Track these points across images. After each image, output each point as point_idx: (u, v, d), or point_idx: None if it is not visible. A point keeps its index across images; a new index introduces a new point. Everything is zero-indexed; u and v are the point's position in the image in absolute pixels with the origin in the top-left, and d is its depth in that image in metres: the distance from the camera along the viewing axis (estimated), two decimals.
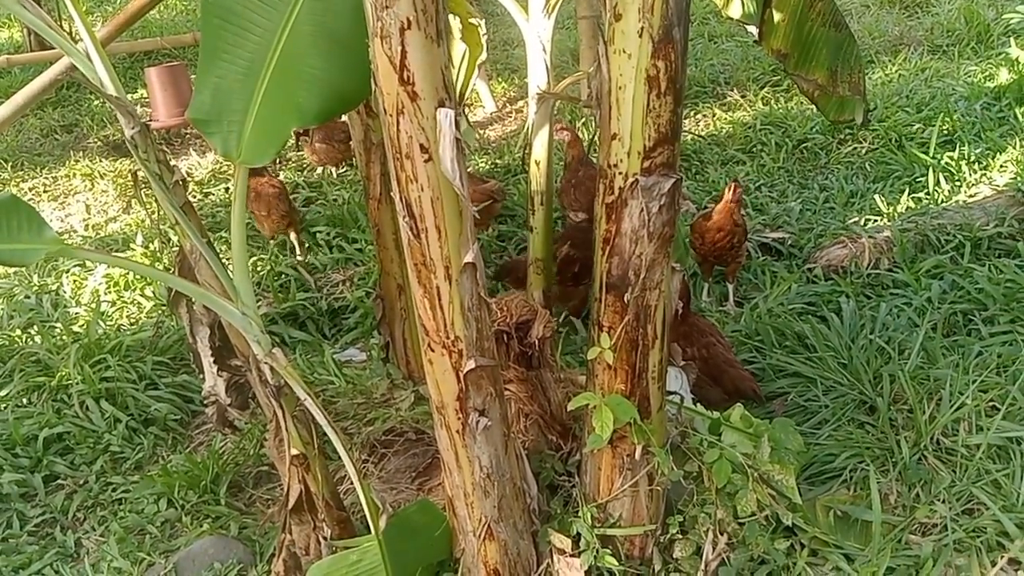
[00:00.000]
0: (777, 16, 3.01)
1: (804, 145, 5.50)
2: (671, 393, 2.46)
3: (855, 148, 5.40)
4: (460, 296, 1.90)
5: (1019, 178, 4.61)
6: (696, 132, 6.02)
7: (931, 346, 3.29)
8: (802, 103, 6.01)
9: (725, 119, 6.14)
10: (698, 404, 3.06)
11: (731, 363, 3.11)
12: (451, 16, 3.17)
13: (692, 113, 6.39)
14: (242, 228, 2.05)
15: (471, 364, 1.97)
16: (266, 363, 2.12)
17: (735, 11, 2.96)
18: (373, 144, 3.03)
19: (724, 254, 3.83)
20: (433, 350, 1.99)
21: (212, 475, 3.17)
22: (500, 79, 7.63)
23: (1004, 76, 5.85)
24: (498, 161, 5.85)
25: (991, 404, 2.96)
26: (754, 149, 5.56)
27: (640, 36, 1.78)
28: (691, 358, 3.10)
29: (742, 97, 6.40)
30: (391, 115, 1.74)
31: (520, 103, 7.10)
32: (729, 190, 3.69)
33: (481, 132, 6.54)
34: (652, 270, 2.04)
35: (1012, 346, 3.27)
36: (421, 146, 1.75)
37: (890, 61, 6.73)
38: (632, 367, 2.17)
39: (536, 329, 2.47)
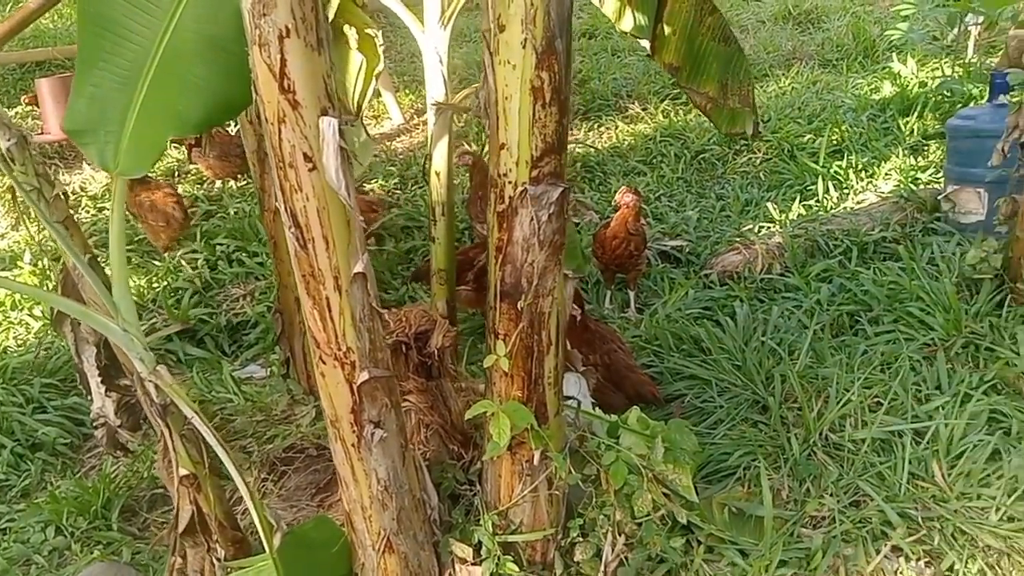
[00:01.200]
0: (668, 30, 3.10)
1: (702, 156, 5.68)
2: (568, 398, 2.49)
3: (750, 158, 5.60)
4: (351, 307, 1.88)
5: (902, 185, 4.86)
6: (599, 144, 6.14)
7: (820, 346, 3.43)
8: (700, 116, 6.18)
9: (627, 131, 6.28)
10: (597, 408, 3.12)
11: (632, 368, 3.18)
12: (347, 26, 3.14)
13: (596, 126, 6.52)
14: (121, 241, 1.98)
15: (364, 376, 1.95)
16: (151, 381, 2.05)
17: (627, 24, 3.03)
18: (266, 154, 2.97)
19: (623, 262, 3.92)
20: (325, 362, 1.97)
21: (103, 500, 3.04)
22: (408, 91, 7.62)
23: (888, 89, 6.17)
24: (405, 172, 5.83)
25: (875, 400, 3.11)
26: (654, 160, 5.70)
27: (524, 47, 1.80)
28: (593, 364, 3.15)
29: (643, 110, 6.56)
30: (272, 124, 1.72)
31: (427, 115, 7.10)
32: (620, 193, 3.78)
33: (388, 144, 6.51)
34: (544, 277, 2.07)
35: (895, 344, 3.44)
36: (304, 155, 1.73)
37: (783, 75, 7.01)
38: (528, 373, 2.19)
39: (435, 339, 2.47)
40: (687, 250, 4.51)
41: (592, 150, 6.01)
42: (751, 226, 4.67)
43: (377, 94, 6.84)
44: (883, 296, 3.72)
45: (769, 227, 4.64)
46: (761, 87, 6.84)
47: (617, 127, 6.43)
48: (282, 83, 1.66)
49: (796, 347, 3.44)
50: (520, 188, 1.95)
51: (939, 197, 4.38)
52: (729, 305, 3.88)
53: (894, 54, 6.51)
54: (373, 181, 5.59)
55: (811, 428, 2.94)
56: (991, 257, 3.72)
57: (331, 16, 3.05)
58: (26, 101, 6.47)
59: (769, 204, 4.83)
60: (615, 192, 5.25)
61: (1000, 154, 3.45)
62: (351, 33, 3.19)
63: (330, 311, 1.88)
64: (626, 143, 6.11)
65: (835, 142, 5.54)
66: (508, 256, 2.05)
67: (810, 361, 3.36)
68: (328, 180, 1.71)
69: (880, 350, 3.41)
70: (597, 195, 5.32)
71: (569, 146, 5.86)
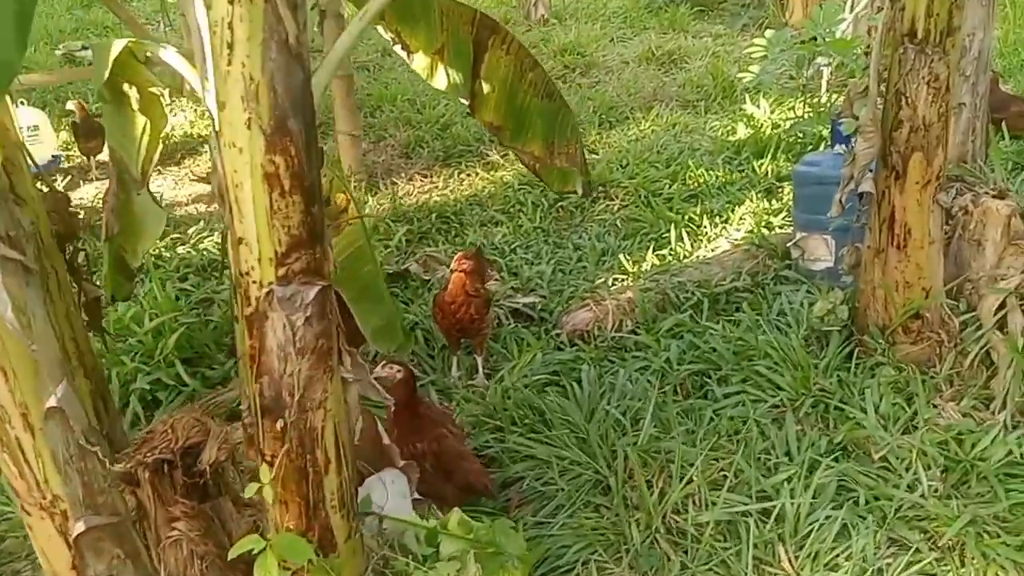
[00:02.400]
0: (487, 87, 2.88)
1: (560, 204, 5.50)
2: (367, 514, 2.18)
3: (608, 205, 5.47)
4: (49, 448, 1.53)
5: (754, 231, 4.80)
6: (459, 192, 5.90)
7: (666, 413, 3.24)
8: None
9: (487, 179, 6.07)
10: (430, 505, 2.83)
11: (463, 456, 2.89)
12: (127, 86, 2.78)
13: (456, 173, 6.28)
14: None
15: (81, 527, 1.60)
16: None
17: (440, 82, 2.80)
18: None
19: (465, 327, 3.65)
20: (30, 513, 1.60)
21: None
22: None
23: (743, 131, 6.18)
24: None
25: (722, 473, 2.93)
26: (512, 209, 5.49)
27: (249, 128, 1.51)
28: (421, 454, 2.85)
29: (503, 156, 6.36)
30: None
31: None
32: (455, 260, 3.52)
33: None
34: (311, 388, 1.77)
35: (743, 407, 3.29)
36: None
37: (643, 117, 6.98)
38: (305, 499, 1.88)
39: (208, 453, 2.12)
40: (539, 307, 4.29)
41: (450, 199, 5.76)
42: (605, 278, 4.50)
43: None
44: (731, 354, 3.58)
45: (623, 279, 4.48)
46: (621, 130, 6.78)
47: (478, 174, 6.21)
48: None
49: (642, 415, 3.24)
50: (266, 289, 1.65)
51: (788, 244, 4.31)
52: (577, 369, 3.66)
53: (747, 96, 6.55)
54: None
55: (652, 512, 2.73)
56: (838, 308, 3.65)
57: (106, 75, 2.70)
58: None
59: (622, 256, 4.67)
60: (470, 244, 5.06)
61: (839, 205, 3.37)
62: (132, 93, 2.83)
63: (23, 454, 1.52)
64: (486, 191, 5.89)
65: (691, 187, 5.48)
66: (263, 367, 1.74)
67: (656, 431, 3.16)
68: None
69: (729, 413, 3.25)
70: (452, 248, 5.05)
71: (426, 195, 5.55)
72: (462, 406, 3.50)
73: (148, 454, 2.12)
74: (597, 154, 6.36)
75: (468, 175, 6.26)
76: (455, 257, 3.55)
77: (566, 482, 2.99)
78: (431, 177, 6.25)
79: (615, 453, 3.04)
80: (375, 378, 2.96)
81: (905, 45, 2.98)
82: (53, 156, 6.31)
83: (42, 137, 6.14)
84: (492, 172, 6.20)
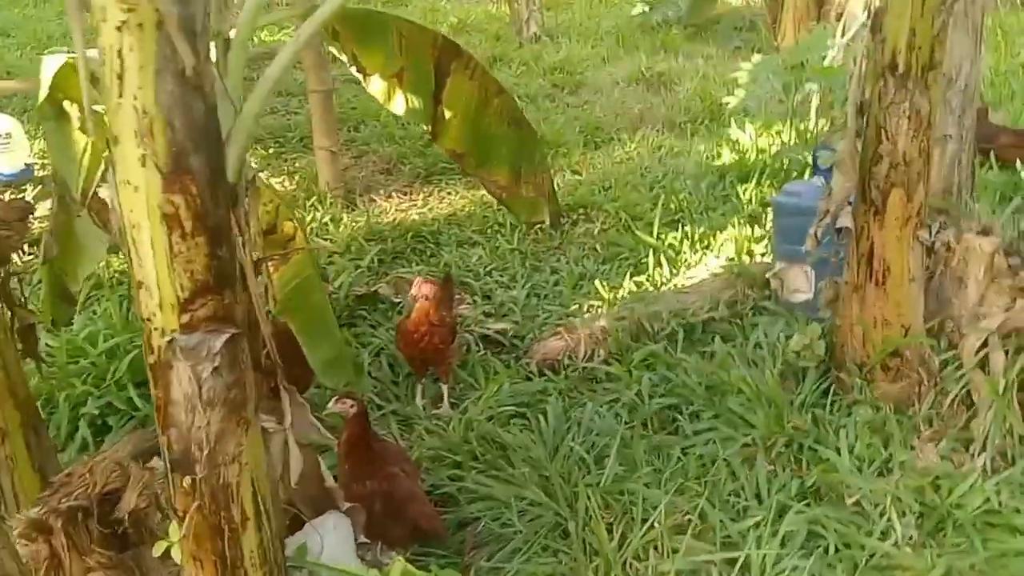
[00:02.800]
0: (449, 114, 2.76)
1: (540, 225, 5.37)
2: (295, 567, 2.04)
3: (588, 228, 5.35)
4: None
5: (735, 259, 4.69)
6: (438, 211, 5.79)
7: (632, 451, 3.12)
8: None
9: (467, 197, 5.95)
10: (379, 545, 2.70)
11: (413, 497, 2.75)
12: (68, 103, 2.66)
13: (436, 190, 6.17)
14: None
15: None
16: None
17: (398, 107, 2.69)
18: None
19: (429, 356, 3.53)
20: None
21: None
22: None
23: (727, 155, 6.08)
24: None
25: (687, 517, 2.80)
26: (490, 230, 5.37)
27: (143, 165, 1.39)
28: (369, 493, 2.71)
29: None
30: None
31: None
32: (415, 285, 3.40)
33: None
34: (223, 442, 1.64)
35: (712, 445, 3.16)
36: None
37: (629, 138, 6.88)
38: (220, 556, 1.74)
39: (128, 499, 1.98)
40: (511, 333, 4.16)
41: (428, 217, 5.64)
42: (580, 304, 4.37)
43: None
44: (703, 389, 3.45)
45: (598, 306, 4.35)
46: (606, 151, 6.68)
47: (458, 192, 6.09)
48: None
49: (607, 452, 3.11)
50: (168, 338, 1.52)
51: (768, 275, 4.20)
52: (544, 400, 3.53)
53: (732, 120, 6.45)
54: None
55: (611, 560, 2.59)
56: (815, 343, 3.53)
57: (45, 91, 2.58)
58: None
59: (597, 282, 4.54)
60: (445, 265, 4.94)
61: (813, 239, 3.26)
62: (73, 111, 2.71)
63: None
64: (465, 210, 5.77)
65: (673, 211, 5.36)
66: (169, 419, 1.61)
67: (621, 470, 3.03)
68: None
69: (698, 452, 3.13)
70: (426, 268, 4.93)
71: (403, 213, 5.41)
72: (422, 439, 3.36)
73: (62, 500, 2.00)
74: (581, 175, 6.26)
75: (449, 193, 6.14)
76: (415, 282, 3.43)
77: (524, 524, 2.85)
78: (411, 195, 6.14)
79: (576, 494, 2.91)
80: (328, 413, 2.85)
81: (886, 78, 2.87)
82: (26, 165, 6.16)
83: (14, 145, 6.00)
84: (472, 191, 6.07)
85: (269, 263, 2.60)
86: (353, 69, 2.57)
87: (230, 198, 1.50)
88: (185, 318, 1.51)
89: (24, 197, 5.09)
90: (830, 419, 3.24)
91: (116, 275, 4.47)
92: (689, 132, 6.96)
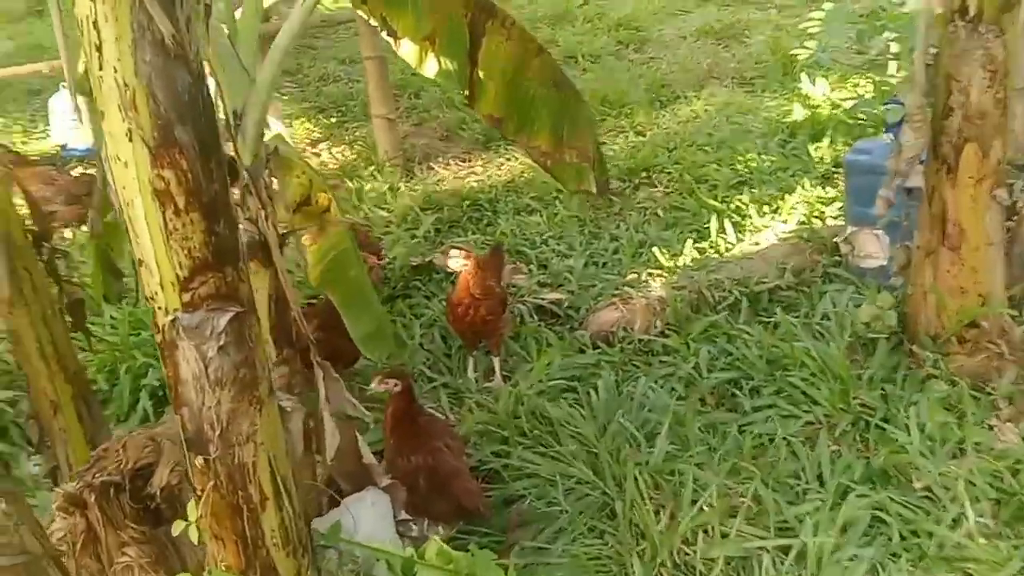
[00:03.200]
0: (484, 76, 2.64)
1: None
2: (327, 548, 2.01)
3: (651, 193, 5.17)
4: None
5: (805, 223, 4.45)
6: (496, 178, 5.68)
7: (686, 429, 2.99)
8: (606, 144, 5.77)
9: (526, 164, 5.80)
10: (425, 521, 2.66)
11: (457, 473, 2.69)
12: None
13: (495, 157, 6.06)
14: None
15: None
16: None
17: (430, 70, 2.57)
18: None
19: (478, 328, 3.45)
20: None
21: None
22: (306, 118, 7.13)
23: (799, 112, 5.76)
24: None
25: (741, 499, 2.66)
26: (549, 196, 5.24)
27: (130, 140, 1.33)
28: (414, 468, 2.67)
29: None
30: None
31: None
32: (448, 256, 3.32)
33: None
34: (235, 422, 1.59)
35: (771, 423, 3.01)
36: None
37: (696, 96, 6.61)
38: (240, 536, 1.71)
39: (159, 475, 1.98)
40: (566, 304, 4.04)
41: (486, 185, 5.54)
42: (639, 273, 4.22)
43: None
44: (765, 363, 3.28)
45: (658, 274, 4.19)
46: (672, 110, 6.43)
47: (517, 159, 5.96)
48: None
49: (660, 428, 2.98)
50: (171, 316, 1.47)
51: (837, 239, 3.96)
52: (597, 374, 3.42)
53: (804, 73, 6.10)
54: None
55: (657, 544, 2.49)
56: (886, 314, 3.31)
57: (82, 66, 2.57)
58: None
59: (656, 249, 4.37)
60: (502, 233, 4.84)
61: (884, 201, 3.03)
62: None
63: None
64: (523, 177, 5.65)
65: (740, 172, 5.12)
66: (181, 398, 1.57)
67: (673, 448, 2.91)
68: None
69: (756, 430, 2.98)
70: (482, 238, 4.85)
71: (462, 181, 5.32)
72: (471, 412, 3.30)
73: (96, 475, 2.00)
74: (644, 136, 6.05)
75: (508, 159, 6.03)
76: (448, 253, 3.34)
77: (570, 503, 2.77)
78: (469, 161, 6.05)
79: (625, 473, 2.80)
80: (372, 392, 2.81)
81: (955, 23, 2.61)
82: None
83: (85, 121, 6.15)
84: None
85: (303, 236, 2.55)
86: (384, 33, 2.47)
87: (227, 172, 1.43)
88: (186, 297, 1.46)
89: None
90: (900, 395, 3.05)
91: None
92: (759, 88, 6.64)
